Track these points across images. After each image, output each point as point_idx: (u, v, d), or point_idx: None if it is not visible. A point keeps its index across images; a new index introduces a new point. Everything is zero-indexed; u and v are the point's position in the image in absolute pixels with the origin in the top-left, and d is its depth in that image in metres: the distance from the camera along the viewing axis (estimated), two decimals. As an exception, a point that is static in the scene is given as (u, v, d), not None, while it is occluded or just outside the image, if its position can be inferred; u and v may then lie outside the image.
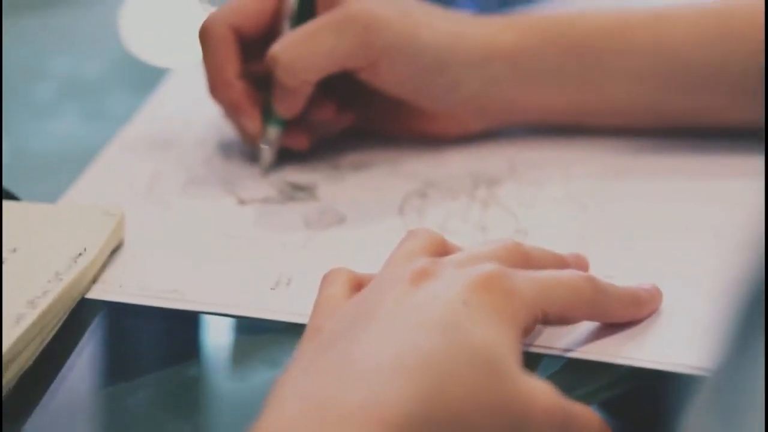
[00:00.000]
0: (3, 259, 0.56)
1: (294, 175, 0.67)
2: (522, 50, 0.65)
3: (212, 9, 0.67)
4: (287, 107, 0.65)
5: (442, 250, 0.51)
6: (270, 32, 0.66)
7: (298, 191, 0.65)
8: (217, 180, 0.67)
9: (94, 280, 0.57)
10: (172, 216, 0.63)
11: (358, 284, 0.50)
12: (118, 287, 0.57)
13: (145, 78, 0.81)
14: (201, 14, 0.72)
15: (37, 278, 0.55)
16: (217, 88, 0.66)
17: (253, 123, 0.66)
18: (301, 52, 0.63)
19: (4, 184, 0.64)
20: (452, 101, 0.66)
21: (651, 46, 0.65)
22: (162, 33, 0.91)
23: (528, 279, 0.47)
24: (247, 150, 0.69)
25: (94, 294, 0.57)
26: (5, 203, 0.61)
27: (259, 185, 0.66)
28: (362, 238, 0.61)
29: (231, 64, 0.65)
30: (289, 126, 0.66)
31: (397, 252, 0.50)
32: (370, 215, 0.63)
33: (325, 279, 0.51)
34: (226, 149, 0.70)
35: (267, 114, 0.66)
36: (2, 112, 0.74)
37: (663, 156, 0.67)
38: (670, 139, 0.68)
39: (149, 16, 0.94)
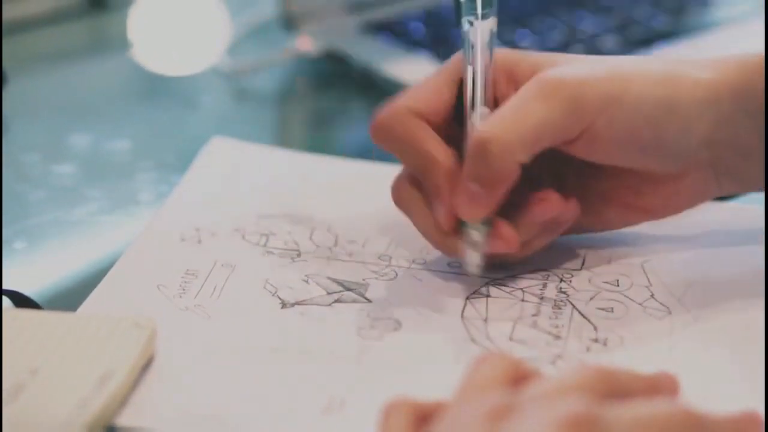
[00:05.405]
0: (22, 383, 0.52)
1: (340, 269, 0.61)
2: (749, 88, 0.57)
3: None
4: (486, 202, 0.56)
5: (518, 377, 0.46)
6: (445, 126, 0.59)
7: (346, 291, 0.59)
8: (257, 278, 0.60)
9: (123, 403, 0.52)
10: (208, 325, 0.57)
11: (422, 417, 0.46)
12: (151, 411, 0.52)
13: (175, 152, 0.75)
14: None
15: (60, 406, 0.50)
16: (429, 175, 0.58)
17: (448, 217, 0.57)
18: (513, 127, 0.55)
19: (23, 287, 0.59)
20: (685, 150, 0.57)
21: None
22: (172, 40, 0.86)
23: (621, 420, 0.42)
24: (289, 242, 0.63)
25: (125, 420, 0.52)
26: (24, 313, 0.57)
27: (302, 284, 0.60)
28: (421, 349, 0.56)
29: (436, 144, 0.58)
30: (493, 225, 0.58)
31: (469, 382, 0.46)
32: (429, 321, 0.57)
33: (385, 413, 0.46)
34: (265, 240, 0.64)
35: None
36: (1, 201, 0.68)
37: None
38: None
39: (158, 23, 0.89)
